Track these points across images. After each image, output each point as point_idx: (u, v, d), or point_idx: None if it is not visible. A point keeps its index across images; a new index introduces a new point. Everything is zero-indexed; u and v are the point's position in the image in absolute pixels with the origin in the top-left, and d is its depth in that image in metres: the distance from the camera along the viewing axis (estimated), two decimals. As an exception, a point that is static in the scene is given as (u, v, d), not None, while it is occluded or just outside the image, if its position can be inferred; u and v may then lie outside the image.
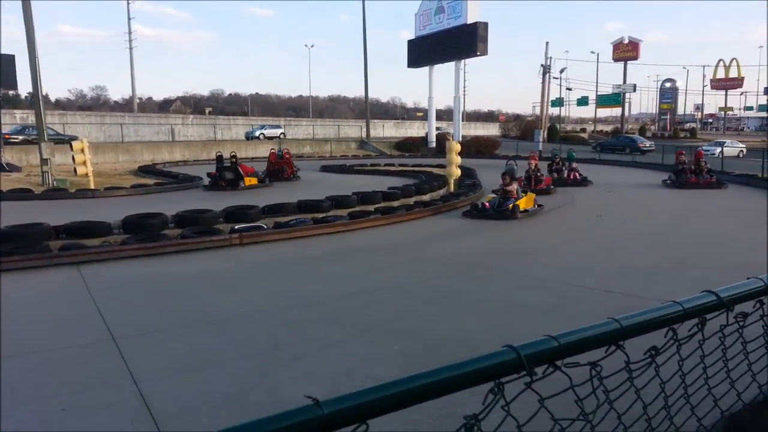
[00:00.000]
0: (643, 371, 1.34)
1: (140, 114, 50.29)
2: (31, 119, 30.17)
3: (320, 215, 11.40)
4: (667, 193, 16.84)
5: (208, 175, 18.96)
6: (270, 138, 45.56)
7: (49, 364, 4.38)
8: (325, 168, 27.79)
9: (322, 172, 26.67)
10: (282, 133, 48.76)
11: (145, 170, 24.95)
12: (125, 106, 68.49)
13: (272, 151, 23.30)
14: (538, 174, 16.79)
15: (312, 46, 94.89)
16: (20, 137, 31.31)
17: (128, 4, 55.81)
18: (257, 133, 46.81)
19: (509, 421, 1.13)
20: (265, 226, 10.01)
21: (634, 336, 1.26)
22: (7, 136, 29.61)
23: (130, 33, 55.36)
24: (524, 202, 12.55)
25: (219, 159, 18.96)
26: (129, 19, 55.93)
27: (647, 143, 41.06)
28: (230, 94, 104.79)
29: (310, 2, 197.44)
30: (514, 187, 12.51)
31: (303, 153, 41.93)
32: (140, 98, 72.47)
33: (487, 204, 12.35)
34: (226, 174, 18.35)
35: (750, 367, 1.74)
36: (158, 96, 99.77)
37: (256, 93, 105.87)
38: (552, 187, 16.93)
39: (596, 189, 17.66)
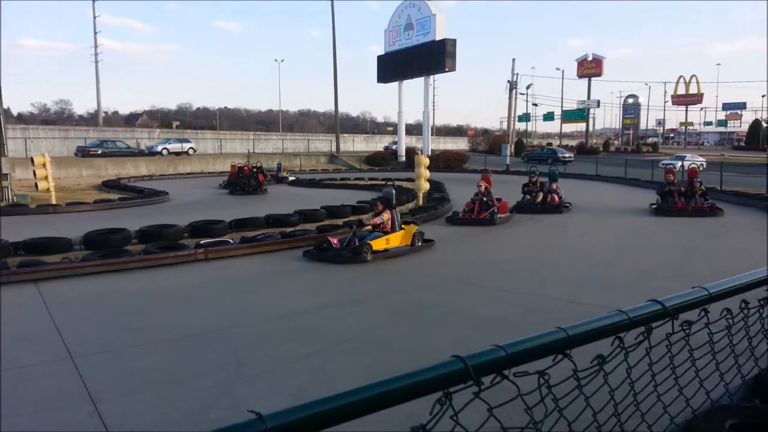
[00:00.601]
0: (592, 379, 1.37)
1: (105, 128, 49.37)
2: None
3: (288, 229, 11.34)
4: (647, 225, 12.95)
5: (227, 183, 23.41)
6: (177, 153, 40.36)
7: (4, 384, 4.23)
8: (294, 182, 27.69)
9: (292, 186, 26.55)
10: (191, 147, 42.57)
11: (109, 185, 24.51)
12: (90, 120, 67.12)
13: (233, 164, 24.18)
14: (485, 198, 13.75)
15: (282, 60, 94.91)
16: (99, 150, 37.34)
17: (95, 18, 54.97)
18: (159, 148, 40.73)
19: (458, 430, 1.14)
20: (231, 241, 9.90)
21: (581, 345, 1.28)
22: (88, 149, 36.90)
23: (96, 47, 54.44)
24: (393, 239, 9.69)
25: (240, 169, 22.93)
26: (95, 33, 55.03)
27: (567, 154, 45.99)
28: (198, 108, 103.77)
29: (280, 17, 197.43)
30: (387, 217, 9.83)
31: (272, 168, 41.71)
32: (106, 112, 71.12)
33: (335, 242, 9.31)
34: (251, 181, 21.93)
35: (697, 374, 1.78)
36: (124, 110, 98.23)
37: (225, 107, 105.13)
38: (508, 214, 14.04)
39: (570, 216, 14.59)
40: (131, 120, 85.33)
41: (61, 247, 9.25)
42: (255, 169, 22.85)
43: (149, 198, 19.34)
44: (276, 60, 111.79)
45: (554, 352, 1.25)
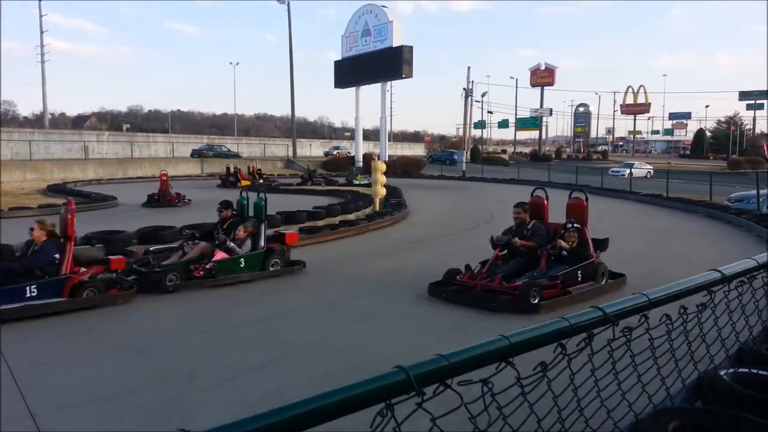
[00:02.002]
0: (536, 386, 1.38)
1: (52, 130, 47.61)
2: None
3: (242, 235, 11.13)
4: None
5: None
6: None
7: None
8: (249, 187, 27.27)
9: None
10: None
11: (55, 189, 23.62)
12: (36, 122, 64.70)
13: (163, 172, 21.20)
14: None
15: (237, 63, 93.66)
16: (211, 153, 44.57)
17: (41, 17, 53.00)
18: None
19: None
20: (183, 248, 9.67)
21: (524, 352, 1.29)
22: (204, 152, 43.85)
23: (42, 47, 52.45)
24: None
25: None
26: (41, 32, 53.05)
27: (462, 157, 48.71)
28: (150, 111, 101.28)
29: (236, 21, 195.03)
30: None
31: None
32: (52, 114, 68.84)
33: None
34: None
35: (639, 379, 1.82)
36: (72, 112, 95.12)
37: (178, 110, 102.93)
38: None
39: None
40: (79, 122, 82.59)
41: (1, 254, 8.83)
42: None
43: (97, 203, 18.74)
44: (231, 63, 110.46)
45: (497, 360, 1.25)
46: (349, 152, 53.92)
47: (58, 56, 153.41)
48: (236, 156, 45.87)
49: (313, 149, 62.54)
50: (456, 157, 47.68)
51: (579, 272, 7.04)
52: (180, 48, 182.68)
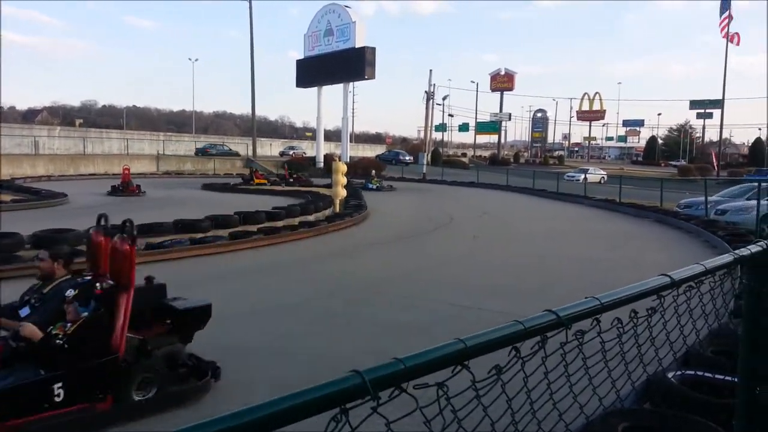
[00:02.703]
0: (490, 389, 1.39)
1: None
2: None
3: (199, 235, 10.94)
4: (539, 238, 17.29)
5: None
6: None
7: None
8: (207, 186, 26.82)
9: (204, 190, 25.71)
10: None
11: (2, 186, 22.71)
12: (-19, 115, 62.08)
13: (125, 166, 24.55)
14: None
15: (196, 60, 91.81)
16: (214, 151, 47.05)
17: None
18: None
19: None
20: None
21: (479, 355, 1.29)
22: (207, 150, 46.70)
23: (-11, 35, 50.46)
24: None
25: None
26: (-11, 20, 51.00)
27: (407, 157, 52.24)
28: (104, 106, 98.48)
29: (195, 16, 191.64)
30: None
31: (184, 170, 40.30)
32: (1, 107, 66.10)
33: None
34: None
35: (590, 381, 1.86)
36: (22, 105, 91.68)
37: (134, 105, 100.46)
38: None
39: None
40: (29, 116, 79.70)
41: (-59, 253, 8.44)
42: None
43: (46, 200, 18.12)
44: (190, 59, 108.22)
45: (453, 364, 1.25)
46: (305, 153, 53.80)
47: (8, 48, 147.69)
48: (236, 155, 47.70)
49: (274, 148, 61.98)
50: (401, 157, 51.27)
51: (61, 387, 3.55)
52: (136, 43, 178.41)
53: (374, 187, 27.43)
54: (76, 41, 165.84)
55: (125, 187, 21.90)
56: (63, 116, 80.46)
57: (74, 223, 11.11)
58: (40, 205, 17.10)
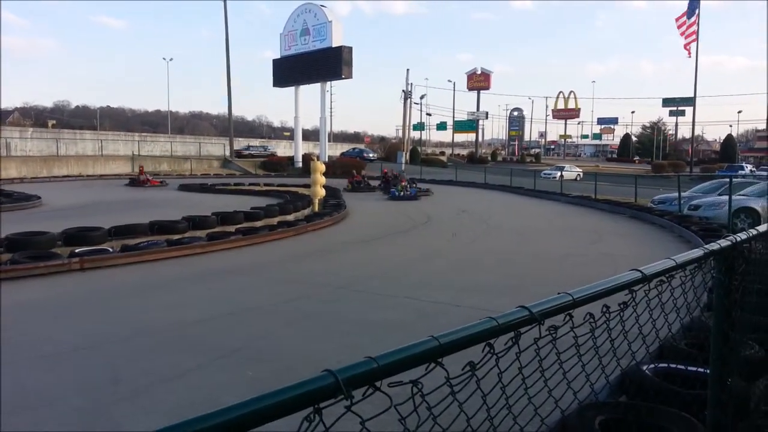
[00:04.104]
0: (465, 385, 1.39)
1: (-32, 125, 44.75)
2: None
3: (176, 237, 10.81)
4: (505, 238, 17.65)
5: None
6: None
7: None
8: (184, 187, 26.54)
9: (181, 191, 25.43)
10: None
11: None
12: (-50, 116, 60.56)
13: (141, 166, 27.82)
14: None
15: (171, 59, 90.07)
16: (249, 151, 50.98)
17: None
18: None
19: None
20: (111, 249, 9.30)
21: (453, 352, 1.30)
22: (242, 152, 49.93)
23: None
24: None
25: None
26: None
27: (371, 154, 55.14)
28: (78, 107, 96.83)
29: (168, 15, 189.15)
30: None
31: (160, 171, 39.82)
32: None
33: None
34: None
35: (565, 376, 1.88)
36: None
37: (108, 106, 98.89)
38: None
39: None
40: (0, 117, 77.94)
41: None
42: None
43: (19, 203, 17.76)
44: (164, 59, 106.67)
45: (426, 361, 1.26)
46: (275, 152, 53.84)
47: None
48: (273, 155, 50.21)
49: (252, 149, 61.46)
50: (365, 154, 53.33)
51: None
52: (109, 43, 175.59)
53: (401, 194, 22.15)
54: (47, 41, 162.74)
55: (143, 180, 27.15)
56: (35, 117, 78.84)
57: (49, 226, 10.90)
58: (13, 208, 16.75)
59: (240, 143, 57.98)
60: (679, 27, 45.84)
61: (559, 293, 1.63)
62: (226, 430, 0.96)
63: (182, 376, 4.47)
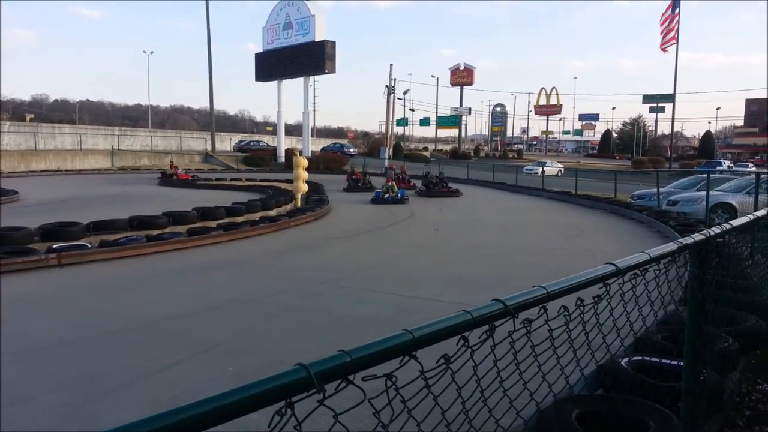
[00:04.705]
0: (439, 378, 1.40)
1: (-58, 118, 43.82)
2: None
3: (155, 232, 10.71)
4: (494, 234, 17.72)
5: None
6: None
7: None
8: (165, 182, 26.27)
9: (162, 186, 25.18)
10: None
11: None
12: (-77, 109, 59.21)
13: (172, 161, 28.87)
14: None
15: (151, 52, 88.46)
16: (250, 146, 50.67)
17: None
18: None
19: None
20: (89, 245, 9.18)
21: (428, 345, 1.31)
22: (242, 147, 49.91)
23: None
24: None
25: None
26: (-72, 9, 48.62)
27: (352, 149, 55.67)
28: (56, 100, 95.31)
29: (147, 7, 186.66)
30: None
31: (140, 165, 39.38)
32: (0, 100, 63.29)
33: None
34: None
35: (540, 369, 1.90)
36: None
37: (87, 100, 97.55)
38: None
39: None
40: (-25, 110, 76.41)
41: None
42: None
43: (-4, 197, 17.46)
44: (145, 51, 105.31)
45: (400, 354, 1.26)
46: (263, 144, 53.63)
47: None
48: (273, 150, 48.42)
49: (234, 143, 61.05)
50: (345, 149, 53.70)
51: None
52: (86, 34, 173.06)
53: (385, 196, 18.94)
54: (24, 32, 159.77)
55: (174, 174, 27.96)
56: (12, 111, 77.40)
57: (26, 221, 10.73)
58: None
59: (222, 138, 57.57)
60: (662, 24, 46.32)
61: (533, 287, 1.65)
62: (198, 425, 0.96)
63: (163, 371, 4.44)
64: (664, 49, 46.53)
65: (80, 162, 36.53)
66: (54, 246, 8.74)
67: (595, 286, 1.94)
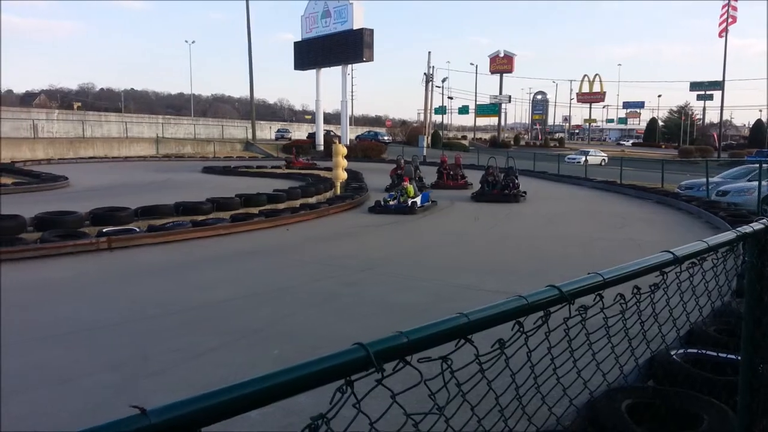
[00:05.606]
0: (493, 363, 1.39)
1: (-3, 107, 45.52)
2: None
3: (200, 218, 10.94)
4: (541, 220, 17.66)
5: None
6: None
7: None
8: (207, 169, 26.79)
9: (204, 173, 25.68)
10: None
11: (3, 169, 22.70)
12: (-20, 98, 61.68)
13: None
14: None
15: (193, 42, 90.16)
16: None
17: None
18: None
19: (362, 419, 1.11)
20: (137, 230, 9.44)
21: (482, 329, 1.29)
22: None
23: (-15, 17, 49.93)
24: None
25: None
26: (-16, 2, 50.45)
27: (386, 137, 55.13)
28: (102, 89, 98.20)
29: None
30: None
31: (183, 153, 40.21)
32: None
33: None
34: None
35: (594, 357, 1.86)
36: (20, 89, 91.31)
37: (132, 89, 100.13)
38: None
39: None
40: (27, 99, 79.41)
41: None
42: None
43: (47, 183, 18.12)
44: (187, 41, 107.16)
45: (456, 337, 1.25)
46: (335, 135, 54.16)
47: (1, 30, 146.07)
48: (288, 140, 49.73)
49: (274, 132, 61.74)
50: (380, 137, 53.70)
51: None
52: (131, 25, 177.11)
53: (391, 202, 13.76)
54: (71, 23, 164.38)
55: (294, 163, 28.46)
56: (61, 99, 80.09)
57: (77, 206, 11.11)
58: (42, 188, 17.12)
59: (262, 126, 58.28)
60: (723, 7, 44.58)
61: (589, 273, 1.61)
62: (262, 398, 0.97)
63: (207, 354, 4.54)
64: (720, 35, 44.79)
65: (126, 149, 37.53)
66: (104, 230, 9.02)
67: (650, 275, 1.88)
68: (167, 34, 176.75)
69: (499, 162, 18.32)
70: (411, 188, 14.05)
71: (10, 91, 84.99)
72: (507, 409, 1.59)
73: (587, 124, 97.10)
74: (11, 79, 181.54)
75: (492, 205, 15.21)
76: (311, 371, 1.02)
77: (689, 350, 3.10)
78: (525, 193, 16.82)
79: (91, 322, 5.32)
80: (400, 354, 1.14)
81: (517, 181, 16.97)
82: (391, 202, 13.72)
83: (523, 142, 72.58)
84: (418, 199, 13.81)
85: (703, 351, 3.06)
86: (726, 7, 44.16)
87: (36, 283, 6.74)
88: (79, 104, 70.46)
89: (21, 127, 39.68)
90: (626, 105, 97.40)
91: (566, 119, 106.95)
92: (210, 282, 7.04)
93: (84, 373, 4.15)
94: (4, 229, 8.88)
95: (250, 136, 48.91)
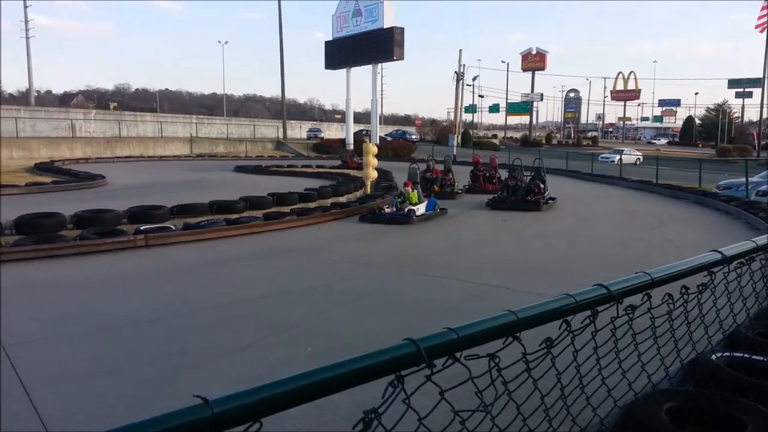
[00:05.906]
0: (540, 362, 1.38)
1: (38, 108, 46.75)
2: None
3: (234, 216, 11.10)
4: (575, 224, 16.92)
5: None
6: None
7: None
8: (239, 168, 27.15)
9: (237, 172, 26.02)
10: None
11: (42, 168, 23.38)
12: (21, 100, 63.50)
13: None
14: None
15: (226, 42, 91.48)
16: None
17: (25, -10, 51.81)
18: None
19: (410, 415, 1.12)
20: (173, 227, 9.62)
21: (530, 327, 1.29)
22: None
23: (26, 21, 51.37)
24: None
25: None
26: (25, 6, 51.95)
27: (414, 136, 54.68)
28: (138, 90, 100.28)
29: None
30: None
31: (216, 152, 40.79)
32: (38, 91, 67.69)
33: None
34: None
35: (639, 358, 1.84)
36: (58, 89, 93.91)
37: (166, 89, 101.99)
38: None
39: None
40: (65, 100, 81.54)
41: (-12, 232, 8.73)
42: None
43: (85, 182, 18.58)
44: (219, 42, 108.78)
45: (504, 335, 1.25)
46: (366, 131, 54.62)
47: (38, 32, 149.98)
48: (321, 139, 50.50)
49: (304, 131, 62.18)
50: (408, 135, 53.30)
51: None
52: (164, 25, 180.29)
53: (387, 210, 12.45)
54: (106, 24, 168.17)
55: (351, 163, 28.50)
56: (97, 99, 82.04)
57: (114, 204, 11.37)
58: (80, 187, 17.56)
59: (292, 126, 58.78)
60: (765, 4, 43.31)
61: (637, 272, 1.59)
62: (317, 390, 0.99)
63: (243, 350, 4.60)
64: (762, 30, 43.47)
65: (161, 149, 38.22)
66: (141, 227, 9.21)
67: (697, 275, 1.85)
68: (200, 34, 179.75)
69: (528, 162, 16.97)
70: (414, 194, 12.62)
71: (49, 92, 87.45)
72: (551, 409, 1.58)
73: (621, 122, 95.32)
74: (50, 80, 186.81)
75: (509, 214, 13.18)
76: (365, 365, 1.04)
77: (735, 354, 3.02)
78: (553, 199, 14.97)
79: (130, 317, 5.44)
80: (449, 350, 1.15)
81: (543, 185, 14.97)
82: (387, 210, 12.43)
83: (555, 141, 71.69)
84: (421, 207, 12.30)
85: (747, 355, 2.98)
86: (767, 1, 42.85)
87: (76, 279, 6.92)
88: (116, 104, 72.04)
89: (60, 127, 40.75)
90: (662, 103, 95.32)
91: (600, 117, 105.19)
92: (243, 279, 7.13)
93: (127, 366, 4.25)
94: (44, 226, 9.15)
95: (281, 135, 49.35)
